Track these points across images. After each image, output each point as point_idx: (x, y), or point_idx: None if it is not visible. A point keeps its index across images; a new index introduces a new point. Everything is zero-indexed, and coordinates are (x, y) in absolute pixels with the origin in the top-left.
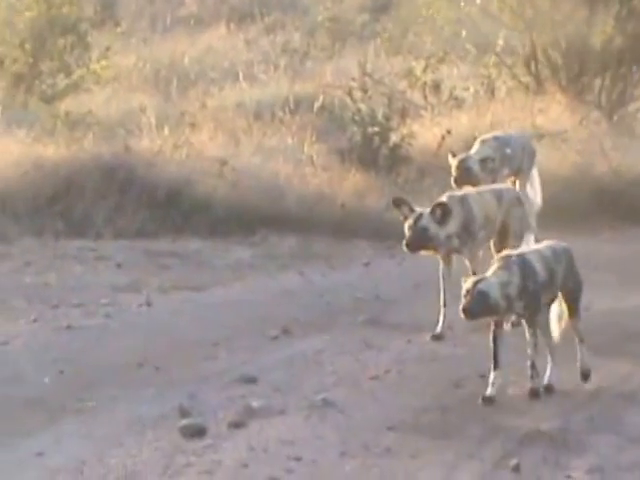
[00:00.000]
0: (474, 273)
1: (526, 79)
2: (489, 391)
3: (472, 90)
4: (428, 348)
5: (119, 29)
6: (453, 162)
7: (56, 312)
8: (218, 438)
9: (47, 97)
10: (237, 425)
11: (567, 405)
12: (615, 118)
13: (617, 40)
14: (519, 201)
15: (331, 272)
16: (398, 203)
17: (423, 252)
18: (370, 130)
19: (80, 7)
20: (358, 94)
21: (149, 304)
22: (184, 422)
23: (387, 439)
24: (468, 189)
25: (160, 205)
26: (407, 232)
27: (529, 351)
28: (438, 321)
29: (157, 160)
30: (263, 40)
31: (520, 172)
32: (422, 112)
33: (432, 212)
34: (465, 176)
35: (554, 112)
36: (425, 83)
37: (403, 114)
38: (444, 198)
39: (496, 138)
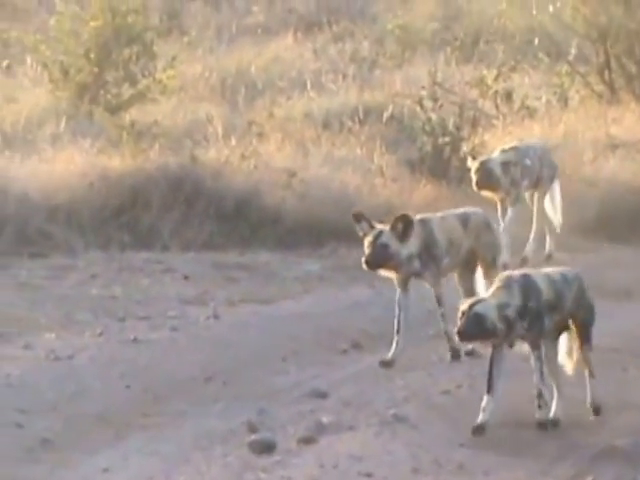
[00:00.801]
0: (438, 301)
1: (599, 88)
2: (480, 418)
3: (544, 99)
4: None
5: (185, 38)
6: (473, 165)
7: (122, 325)
8: (287, 454)
9: (112, 107)
10: (307, 441)
11: None
12: None
13: None
14: (488, 226)
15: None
16: (358, 218)
17: (383, 272)
18: (441, 140)
19: (146, 16)
20: (428, 103)
21: (216, 317)
22: (253, 438)
23: (459, 455)
24: (429, 214)
25: (228, 217)
26: (366, 249)
27: (535, 379)
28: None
29: (224, 171)
30: (331, 49)
31: (539, 184)
32: (494, 121)
33: (393, 227)
34: (486, 179)
35: (628, 121)
36: (497, 92)
37: (474, 124)
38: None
39: (516, 149)
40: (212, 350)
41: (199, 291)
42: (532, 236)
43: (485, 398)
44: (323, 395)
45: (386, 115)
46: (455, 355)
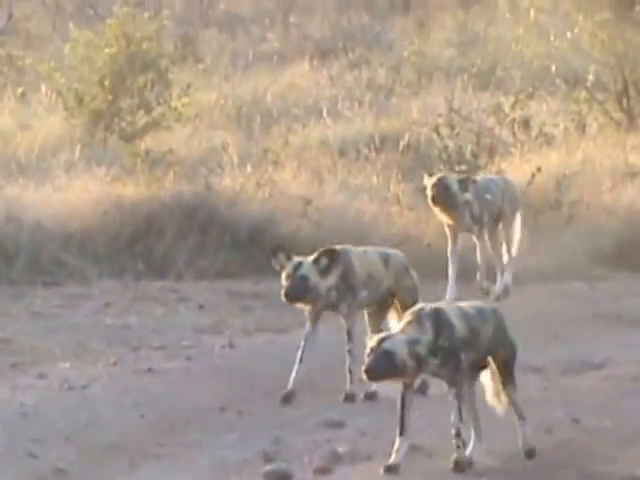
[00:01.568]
0: (349, 336)
1: (618, 115)
2: (393, 459)
3: (562, 126)
4: (519, 392)
5: (200, 65)
6: (429, 181)
7: (137, 354)
8: None
9: (127, 135)
10: (323, 471)
11: None
12: None
13: None
14: (407, 270)
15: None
16: (275, 251)
17: (300, 305)
18: (457, 168)
19: (160, 43)
20: (445, 131)
21: (232, 346)
22: (268, 467)
23: None
24: (349, 246)
25: (243, 245)
26: (285, 282)
27: (452, 418)
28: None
29: (239, 199)
30: (347, 76)
31: (502, 219)
32: (511, 149)
33: (316, 261)
34: (443, 195)
35: None
36: (514, 119)
37: (491, 151)
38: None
39: (475, 182)
40: (227, 379)
41: (214, 320)
42: (498, 272)
43: (397, 440)
44: (339, 424)
45: (402, 143)
46: (349, 398)
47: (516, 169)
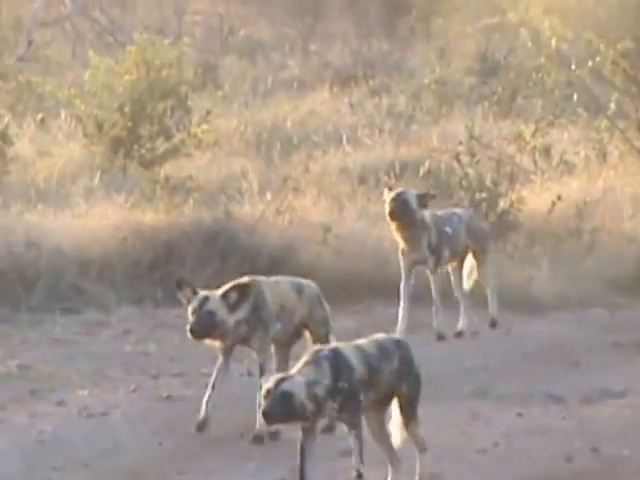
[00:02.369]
0: (262, 370)
1: (639, 143)
2: None
3: (583, 154)
4: (538, 421)
5: (220, 92)
6: (389, 196)
7: (156, 382)
8: None
9: (146, 162)
10: None
11: None
12: None
13: None
14: (320, 301)
15: (438, 341)
16: (180, 284)
17: (208, 341)
18: (478, 196)
19: (180, 70)
20: (465, 158)
21: (250, 374)
22: None
23: None
24: (260, 277)
25: (262, 272)
26: (190, 317)
27: (353, 460)
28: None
29: (259, 226)
30: (367, 103)
31: (475, 254)
32: (532, 177)
33: (225, 295)
34: (401, 209)
35: None
36: (535, 147)
37: (512, 179)
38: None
39: (436, 216)
40: (246, 407)
41: None
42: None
43: None
44: None
45: (423, 170)
46: (257, 440)
47: (537, 197)
